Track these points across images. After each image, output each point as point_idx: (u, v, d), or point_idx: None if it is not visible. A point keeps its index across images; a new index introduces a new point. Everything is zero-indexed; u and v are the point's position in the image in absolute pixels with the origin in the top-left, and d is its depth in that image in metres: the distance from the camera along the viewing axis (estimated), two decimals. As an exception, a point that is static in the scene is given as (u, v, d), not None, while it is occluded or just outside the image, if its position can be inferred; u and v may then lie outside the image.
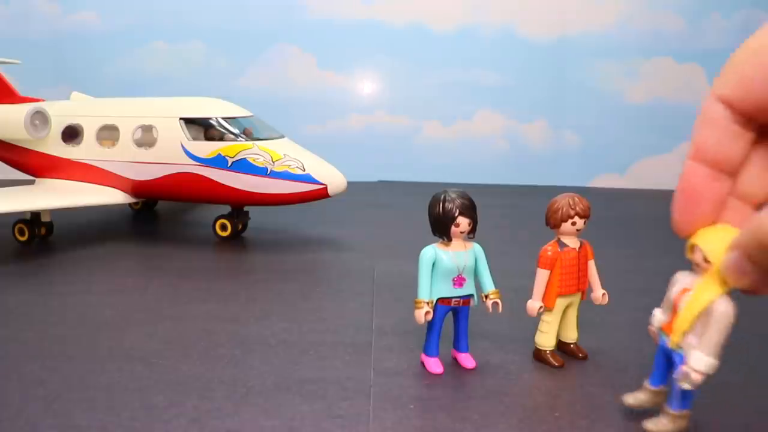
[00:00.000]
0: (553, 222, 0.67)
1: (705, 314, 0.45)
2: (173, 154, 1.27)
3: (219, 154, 1.23)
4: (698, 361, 0.47)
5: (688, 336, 0.47)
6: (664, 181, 2.17)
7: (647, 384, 0.56)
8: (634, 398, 0.56)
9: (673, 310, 0.49)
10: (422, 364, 0.68)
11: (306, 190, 1.21)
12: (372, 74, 2.35)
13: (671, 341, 0.49)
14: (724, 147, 0.34)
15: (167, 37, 2.28)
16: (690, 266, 0.45)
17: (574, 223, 0.66)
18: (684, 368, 0.48)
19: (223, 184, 1.24)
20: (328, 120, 2.34)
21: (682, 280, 0.49)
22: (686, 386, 0.48)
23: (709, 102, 0.33)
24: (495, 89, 2.26)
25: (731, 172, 0.35)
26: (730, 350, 0.48)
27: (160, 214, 1.64)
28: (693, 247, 0.42)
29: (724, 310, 0.45)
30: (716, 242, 0.38)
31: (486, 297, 0.67)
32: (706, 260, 0.41)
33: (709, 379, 0.48)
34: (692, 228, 0.38)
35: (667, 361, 0.53)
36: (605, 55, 2.23)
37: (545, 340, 0.69)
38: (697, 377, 0.47)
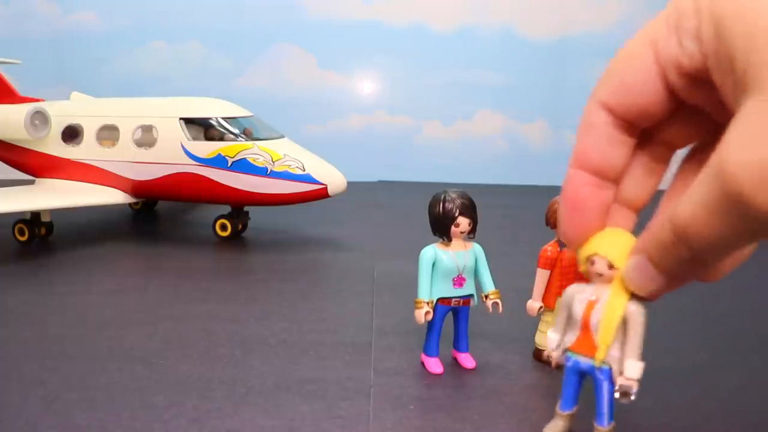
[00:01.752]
0: (553, 222, 0.67)
1: (622, 322, 0.43)
2: (173, 154, 1.27)
3: (219, 154, 1.23)
4: (634, 370, 0.45)
5: (611, 348, 0.45)
6: (663, 181, 2.17)
7: (560, 411, 0.53)
8: (553, 430, 0.53)
9: (584, 327, 0.47)
10: (422, 364, 0.68)
11: (306, 190, 1.21)
12: (372, 74, 2.35)
13: (597, 359, 0.46)
14: (606, 153, 0.34)
15: (167, 37, 2.28)
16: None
17: (574, 223, 0.66)
18: (622, 381, 0.45)
19: (223, 184, 1.24)
20: (328, 120, 2.34)
21: (580, 294, 0.46)
22: (625, 400, 0.45)
23: (590, 108, 0.33)
24: (495, 89, 2.26)
25: (614, 178, 0.35)
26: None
27: (160, 214, 1.64)
28: (590, 258, 0.40)
29: (639, 311, 0.43)
30: (617, 247, 0.38)
31: (486, 297, 0.67)
32: (611, 266, 0.40)
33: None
34: (581, 237, 0.38)
35: (579, 382, 0.51)
36: (606, 56, 2.18)
37: (545, 340, 0.69)
38: (635, 386, 0.45)
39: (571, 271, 0.68)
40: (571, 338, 0.49)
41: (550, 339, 0.50)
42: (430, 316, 0.64)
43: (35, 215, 1.26)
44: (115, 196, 1.34)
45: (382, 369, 0.67)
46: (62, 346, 0.72)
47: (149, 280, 1.02)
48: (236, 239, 1.33)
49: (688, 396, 0.62)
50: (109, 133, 1.37)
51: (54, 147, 1.41)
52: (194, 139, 1.27)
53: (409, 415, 0.57)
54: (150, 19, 2.27)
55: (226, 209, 1.36)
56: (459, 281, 0.65)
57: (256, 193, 1.24)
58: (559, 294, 0.68)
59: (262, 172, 1.22)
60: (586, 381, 0.50)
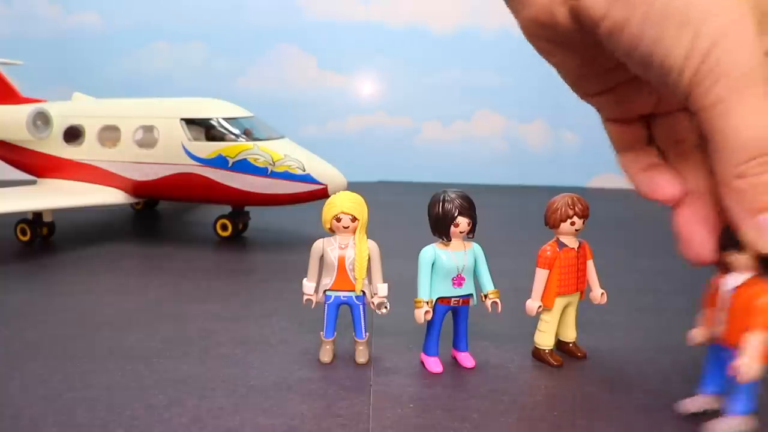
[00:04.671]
0: (552, 222, 0.67)
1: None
2: (174, 154, 1.27)
3: (220, 155, 1.24)
4: (383, 290, 0.67)
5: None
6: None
7: (325, 338, 0.68)
8: (326, 356, 0.68)
9: (340, 269, 0.65)
10: (422, 363, 0.68)
11: (306, 190, 1.22)
12: (372, 75, 2.36)
13: (356, 289, 0.66)
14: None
15: (168, 37, 2.29)
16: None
17: (573, 223, 0.66)
18: (378, 300, 0.66)
19: (223, 185, 1.25)
20: (328, 120, 2.34)
21: (330, 246, 0.66)
22: (383, 311, 0.65)
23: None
24: (494, 90, 2.26)
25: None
26: None
27: (161, 215, 1.64)
28: (337, 215, 0.64)
29: (375, 247, 0.68)
30: (357, 205, 0.66)
31: (485, 297, 0.68)
32: (354, 220, 0.63)
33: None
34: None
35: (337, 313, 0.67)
36: None
37: (544, 339, 0.70)
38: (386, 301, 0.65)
39: (570, 271, 0.68)
40: (328, 281, 0.66)
41: (306, 286, 0.67)
42: (429, 316, 0.65)
43: (37, 215, 1.27)
44: (117, 197, 1.34)
45: (382, 368, 0.67)
46: (63, 346, 0.73)
47: (150, 280, 1.02)
48: (237, 239, 1.33)
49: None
50: (110, 134, 1.38)
51: (56, 147, 1.41)
52: (195, 139, 1.27)
53: (408, 414, 0.57)
54: (152, 20, 2.27)
55: (227, 209, 1.36)
56: (458, 281, 0.65)
57: (257, 193, 1.24)
58: (559, 293, 0.68)
59: (262, 172, 1.22)
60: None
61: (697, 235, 0.44)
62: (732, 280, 0.49)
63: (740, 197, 0.37)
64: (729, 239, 0.43)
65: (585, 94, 0.43)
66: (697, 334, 0.54)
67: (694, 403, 0.56)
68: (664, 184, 0.44)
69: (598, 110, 0.45)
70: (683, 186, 0.44)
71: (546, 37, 0.38)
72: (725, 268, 0.48)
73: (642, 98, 0.42)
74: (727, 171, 0.36)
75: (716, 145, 0.36)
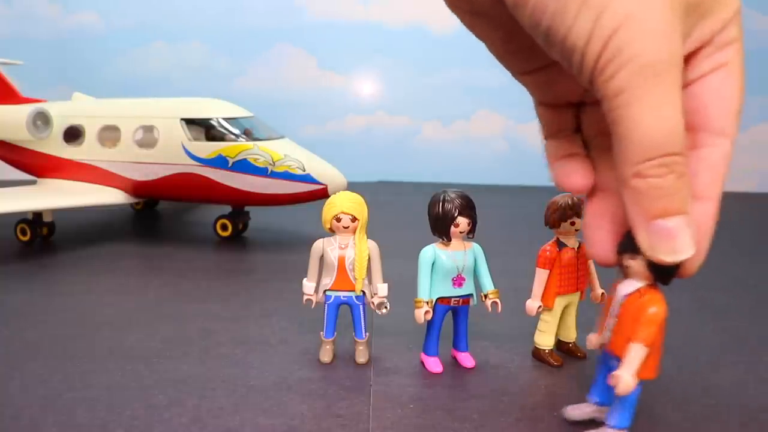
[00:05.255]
0: (552, 222, 0.67)
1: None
2: (174, 154, 1.27)
3: (220, 155, 1.24)
4: (383, 290, 0.67)
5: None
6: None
7: (326, 338, 0.68)
8: (326, 356, 0.69)
9: (340, 269, 0.66)
10: (422, 363, 0.68)
11: (306, 190, 1.22)
12: (372, 75, 2.35)
13: (357, 289, 0.67)
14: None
15: (168, 37, 2.29)
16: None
17: (573, 223, 0.66)
18: (378, 300, 0.67)
19: (223, 185, 1.25)
20: (328, 120, 2.34)
21: (330, 246, 0.66)
22: (383, 311, 0.66)
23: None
24: (494, 90, 2.26)
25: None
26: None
27: (161, 215, 1.64)
28: (337, 215, 0.65)
29: (375, 247, 0.68)
30: (357, 205, 0.66)
31: (485, 297, 0.68)
32: (354, 219, 0.65)
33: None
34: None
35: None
36: None
37: (544, 339, 0.70)
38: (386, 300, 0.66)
39: (570, 271, 0.68)
40: (328, 281, 0.66)
41: (306, 286, 0.67)
42: (429, 316, 0.65)
43: (37, 215, 1.27)
44: (117, 197, 1.34)
45: (382, 368, 0.67)
46: (63, 346, 0.73)
47: (150, 280, 1.02)
48: (237, 239, 1.33)
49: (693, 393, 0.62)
50: (110, 134, 1.38)
51: (56, 147, 1.41)
52: (195, 139, 1.27)
53: (408, 414, 0.57)
54: (151, 19, 2.27)
55: (227, 209, 1.36)
56: (458, 281, 0.65)
57: (257, 193, 1.24)
58: (559, 293, 0.68)
59: (262, 172, 1.22)
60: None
61: (598, 233, 0.41)
62: (625, 287, 0.47)
63: (637, 198, 0.33)
64: (628, 242, 0.39)
65: (514, 72, 0.41)
66: (592, 339, 0.52)
67: (577, 411, 0.55)
68: (574, 175, 0.40)
69: (530, 92, 0.42)
70: (593, 179, 0.40)
71: (465, 8, 0.35)
72: (624, 272, 0.45)
73: (568, 83, 0.38)
74: (626, 168, 0.32)
75: (617, 139, 0.32)
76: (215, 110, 1.31)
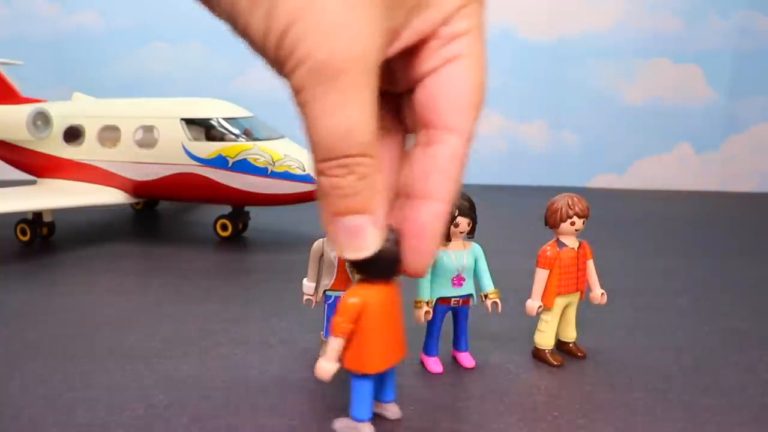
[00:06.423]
0: (552, 222, 0.67)
1: None
2: (174, 154, 1.27)
3: (220, 155, 1.24)
4: None
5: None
6: (662, 181, 2.17)
7: (325, 338, 0.63)
8: None
9: (339, 269, 0.63)
10: (422, 363, 0.68)
11: (306, 190, 1.22)
12: (372, 75, 2.35)
13: None
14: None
15: (168, 37, 2.28)
16: None
17: (573, 223, 0.66)
18: None
19: (223, 185, 1.25)
20: (328, 120, 2.34)
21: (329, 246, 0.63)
22: None
23: None
24: (494, 89, 2.24)
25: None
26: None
27: (161, 215, 1.64)
28: None
29: None
30: None
31: (485, 297, 0.68)
32: None
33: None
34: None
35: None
36: (604, 56, 2.23)
37: (544, 339, 0.70)
38: None
39: (570, 271, 0.68)
40: (327, 281, 0.64)
41: (306, 286, 0.66)
42: (429, 316, 0.65)
43: (37, 215, 1.27)
44: (117, 197, 1.34)
45: (382, 368, 0.67)
46: (63, 346, 0.73)
47: (150, 280, 1.02)
48: (237, 239, 1.33)
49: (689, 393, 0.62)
50: (110, 134, 1.38)
51: (56, 147, 1.41)
52: (195, 139, 1.27)
53: (408, 415, 0.57)
54: (151, 19, 2.27)
55: (227, 209, 1.36)
56: (458, 281, 0.65)
57: (257, 193, 1.24)
58: (559, 293, 0.68)
59: (262, 172, 1.22)
60: None
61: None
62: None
63: (322, 194, 0.32)
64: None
65: None
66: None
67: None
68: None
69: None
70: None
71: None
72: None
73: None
74: (314, 164, 0.31)
75: (305, 133, 0.31)
76: (215, 110, 1.31)
